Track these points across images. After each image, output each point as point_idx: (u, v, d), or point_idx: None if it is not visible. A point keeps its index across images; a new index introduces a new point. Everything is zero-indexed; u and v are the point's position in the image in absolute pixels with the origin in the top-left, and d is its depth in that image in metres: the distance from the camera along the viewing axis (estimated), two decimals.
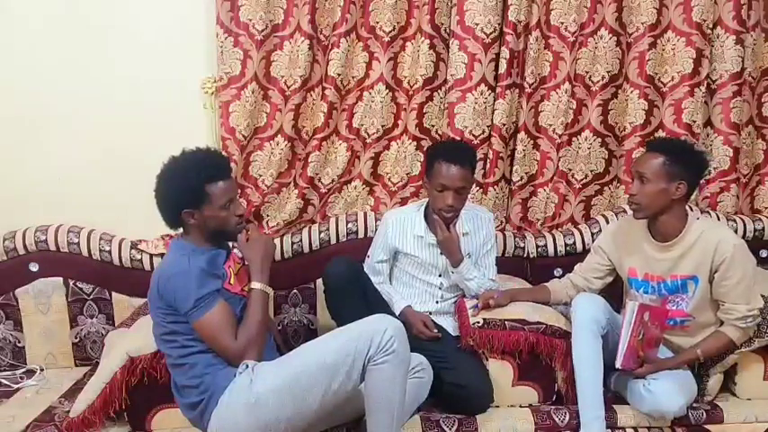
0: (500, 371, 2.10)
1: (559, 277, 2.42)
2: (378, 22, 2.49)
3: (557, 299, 2.27)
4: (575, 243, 2.59)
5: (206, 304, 1.72)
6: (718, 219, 2.64)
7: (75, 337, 2.47)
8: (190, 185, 1.78)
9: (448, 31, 2.52)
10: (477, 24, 2.46)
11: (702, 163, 2.10)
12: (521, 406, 2.11)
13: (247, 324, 1.78)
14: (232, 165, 2.49)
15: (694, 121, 2.60)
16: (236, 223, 1.86)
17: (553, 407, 2.10)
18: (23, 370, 2.40)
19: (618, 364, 1.95)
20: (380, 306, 2.22)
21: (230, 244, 1.97)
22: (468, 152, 2.25)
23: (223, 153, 1.87)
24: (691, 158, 2.05)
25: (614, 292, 2.26)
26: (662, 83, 2.61)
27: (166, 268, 1.79)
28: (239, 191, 2.55)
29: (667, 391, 1.96)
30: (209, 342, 1.74)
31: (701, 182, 2.71)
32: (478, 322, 2.08)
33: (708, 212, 2.67)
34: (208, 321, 1.72)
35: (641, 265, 2.14)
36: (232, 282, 1.85)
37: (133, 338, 1.98)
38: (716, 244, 2.00)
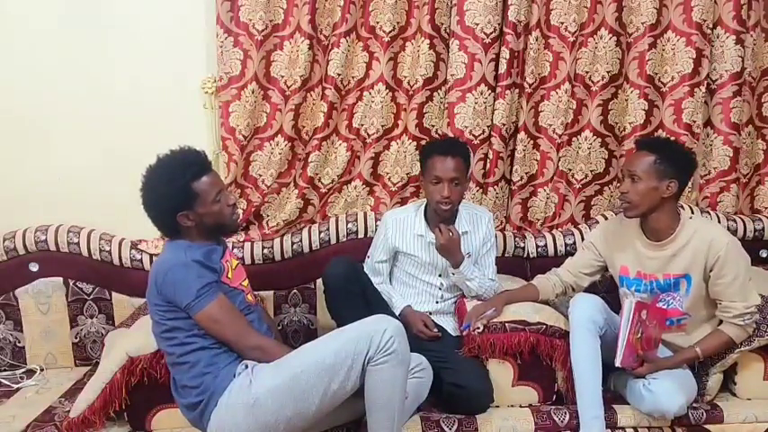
0: (500, 371, 2.10)
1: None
2: (378, 22, 2.48)
3: (544, 297, 2.26)
4: (575, 243, 2.59)
5: (207, 295, 1.72)
6: (718, 219, 2.64)
7: (75, 337, 2.47)
8: (177, 188, 1.78)
9: (448, 31, 2.52)
10: (477, 24, 2.46)
11: (691, 161, 2.13)
12: (521, 406, 2.11)
13: (279, 349, 1.79)
14: (232, 165, 2.50)
15: (694, 121, 2.60)
16: (230, 213, 1.87)
17: (553, 407, 2.10)
18: (23, 370, 2.40)
19: (617, 363, 1.94)
20: (380, 306, 2.22)
21: (229, 242, 1.97)
22: (459, 145, 2.27)
23: (197, 148, 1.88)
24: (681, 157, 2.07)
25: (614, 290, 2.26)
26: (662, 83, 2.61)
27: (163, 263, 1.79)
28: (239, 191, 2.55)
29: (667, 391, 1.96)
30: (214, 333, 1.74)
31: (700, 181, 2.73)
32: (479, 328, 2.08)
33: (708, 212, 2.67)
34: (210, 312, 1.72)
35: (633, 263, 2.14)
36: (230, 276, 1.86)
37: (133, 338, 1.98)
38: (709, 243, 2.01)
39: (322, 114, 2.50)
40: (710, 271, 2.02)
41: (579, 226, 2.69)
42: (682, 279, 2.07)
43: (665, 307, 2.10)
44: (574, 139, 2.66)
